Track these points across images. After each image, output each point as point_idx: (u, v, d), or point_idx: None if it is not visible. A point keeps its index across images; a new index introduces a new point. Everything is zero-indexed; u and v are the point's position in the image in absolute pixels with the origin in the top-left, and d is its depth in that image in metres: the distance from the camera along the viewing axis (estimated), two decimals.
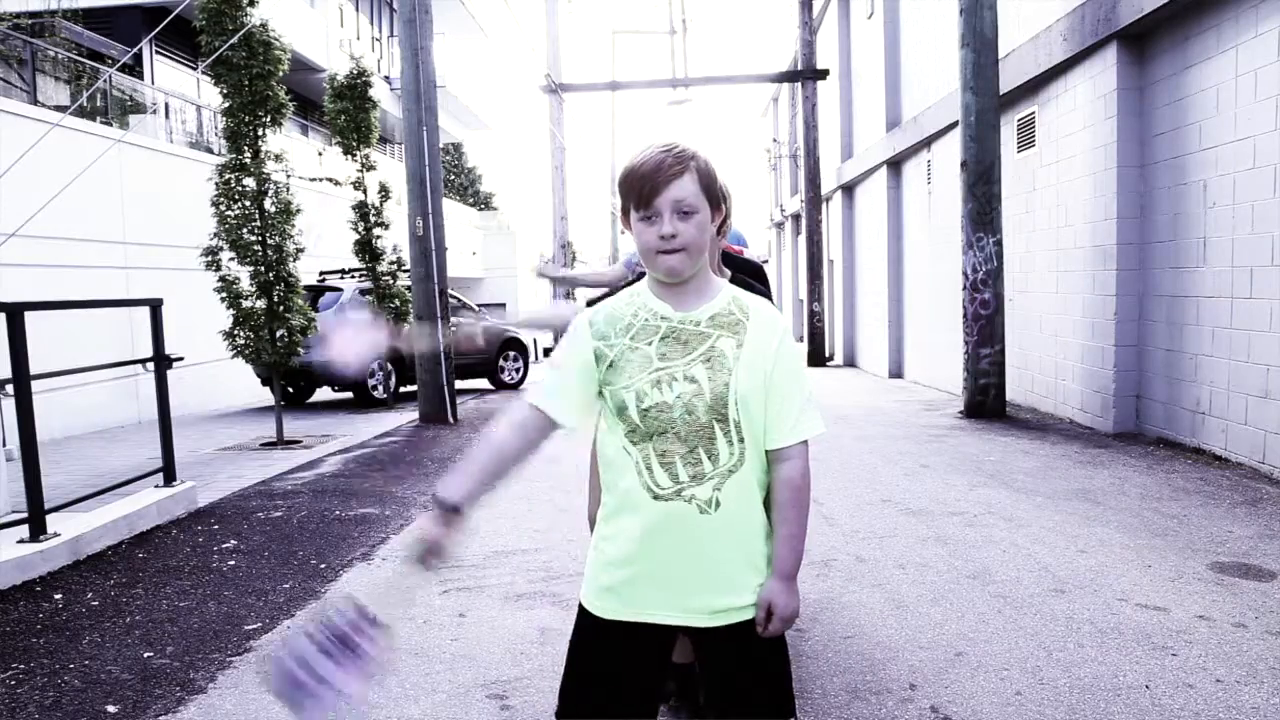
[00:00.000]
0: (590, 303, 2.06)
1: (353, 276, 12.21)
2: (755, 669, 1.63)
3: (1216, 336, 6.24)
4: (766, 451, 1.60)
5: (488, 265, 28.61)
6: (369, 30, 23.48)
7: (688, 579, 1.57)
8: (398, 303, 11.15)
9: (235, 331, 8.20)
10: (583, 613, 1.67)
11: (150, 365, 5.48)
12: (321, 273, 12.68)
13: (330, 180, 11.98)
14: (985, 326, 8.50)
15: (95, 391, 9.58)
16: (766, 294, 2.69)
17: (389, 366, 11.70)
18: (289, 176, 8.44)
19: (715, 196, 1.61)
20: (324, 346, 2.76)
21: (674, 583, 1.57)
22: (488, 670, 3.10)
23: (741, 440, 1.56)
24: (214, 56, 7.66)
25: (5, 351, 4.20)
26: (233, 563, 4.48)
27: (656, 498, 1.55)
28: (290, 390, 12.08)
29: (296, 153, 12.09)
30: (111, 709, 2.88)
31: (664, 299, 1.62)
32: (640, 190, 1.56)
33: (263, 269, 8.09)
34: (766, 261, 18.57)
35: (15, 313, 4.23)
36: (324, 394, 13.18)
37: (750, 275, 2.73)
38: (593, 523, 1.89)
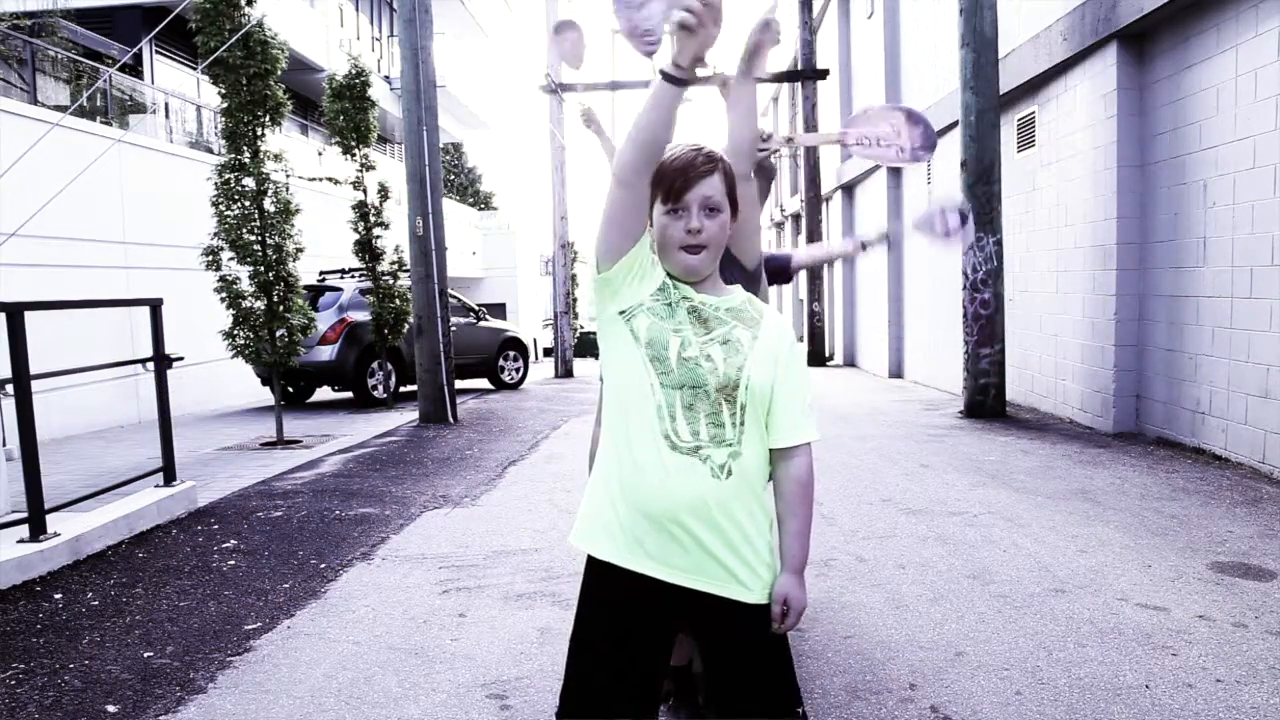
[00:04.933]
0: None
1: (353, 276, 12.21)
2: (759, 658, 1.64)
3: (1216, 336, 6.24)
4: (772, 450, 1.65)
5: (488, 265, 28.59)
6: (369, 30, 23.48)
7: (691, 537, 1.57)
8: (398, 302, 11.15)
9: (235, 331, 8.20)
10: (588, 569, 1.67)
11: (150, 365, 5.49)
12: (321, 272, 12.68)
13: (330, 180, 11.97)
14: (985, 326, 8.50)
15: (95, 391, 9.58)
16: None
17: (389, 366, 11.71)
18: (288, 176, 8.44)
19: (735, 201, 1.68)
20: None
21: (679, 539, 1.57)
22: (488, 670, 3.10)
23: (743, 424, 1.60)
24: (212, 57, 7.66)
25: (5, 351, 4.20)
26: (233, 563, 4.48)
27: (674, 448, 1.57)
28: (290, 390, 12.08)
29: (296, 152, 12.11)
30: (111, 709, 2.88)
31: (685, 283, 1.67)
32: (671, 184, 1.60)
33: (262, 269, 8.09)
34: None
35: (15, 313, 4.23)
36: (324, 394, 13.19)
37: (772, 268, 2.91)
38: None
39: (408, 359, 11.58)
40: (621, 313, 1.61)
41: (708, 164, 1.61)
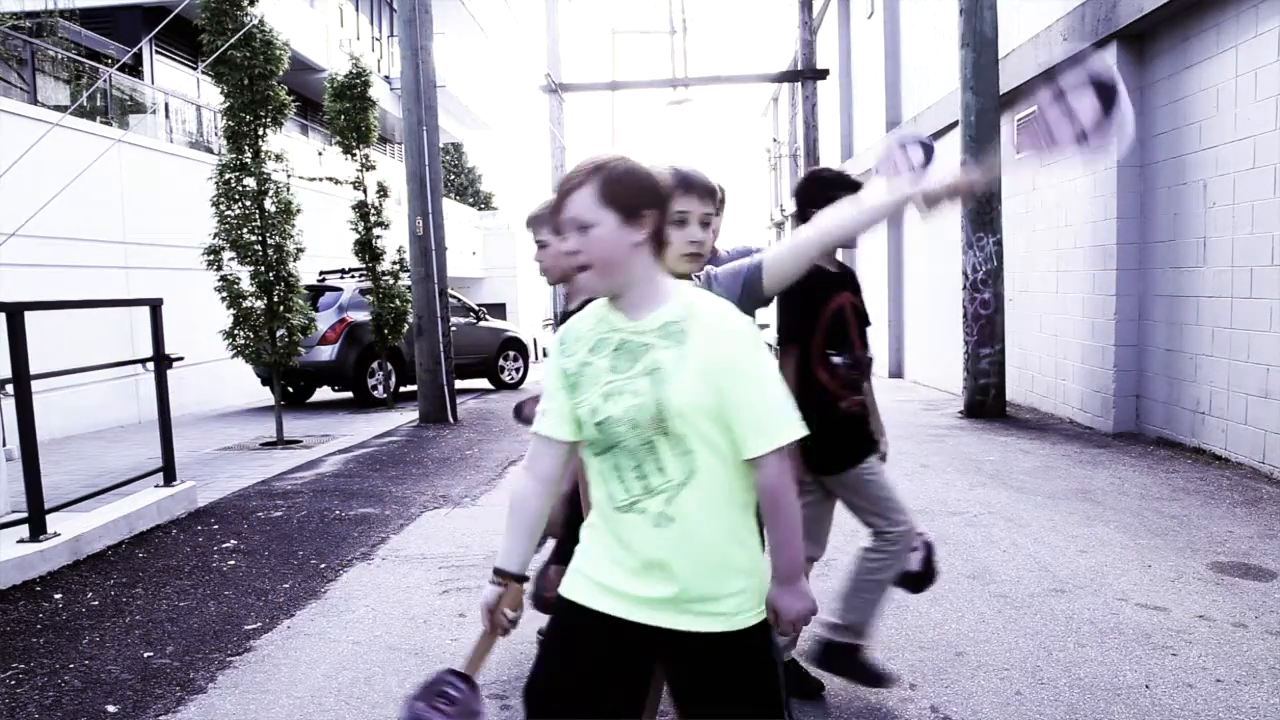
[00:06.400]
0: (564, 317, 2.06)
1: (353, 276, 12.21)
2: (733, 681, 1.59)
3: (1216, 336, 6.24)
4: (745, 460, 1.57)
5: (488, 265, 28.60)
6: (369, 30, 23.48)
7: (647, 586, 1.55)
8: (398, 302, 11.15)
9: (235, 331, 8.20)
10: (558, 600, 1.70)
11: (150, 365, 5.49)
12: (321, 272, 12.68)
13: (330, 180, 11.97)
14: (985, 326, 8.50)
15: (95, 391, 9.58)
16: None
17: (389, 366, 11.70)
18: (289, 176, 8.44)
19: (627, 204, 1.53)
20: None
21: (637, 586, 1.56)
22: (488, 670, 3.09)
23: (690, 452, 1.52)
24: (216, 55, 7.66)
25: (5, 351, 4.20)
26: (233, 563, 4.48)
27: (616, 508, 1.57)
28: (290, 390, 12.07)
29: (296, 152, 12.08)
30: (111, 709, 2.89)
31: (616, 309, 1.60)
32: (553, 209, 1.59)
33: (263, 269, 8.09)
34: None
35: (15, 313, 4.23)
36: (324, 394, 13.18)
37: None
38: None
39: (408, 359, 11.57)
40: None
41: (574, 179, 1.54)
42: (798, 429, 1.55)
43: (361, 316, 11.45)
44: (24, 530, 4.32)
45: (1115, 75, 1.88)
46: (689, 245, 1.87)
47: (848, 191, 2.65)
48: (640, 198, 1.54)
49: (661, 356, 1.53)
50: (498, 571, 1.74)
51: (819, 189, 2.75)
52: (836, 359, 2.71)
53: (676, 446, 1.52)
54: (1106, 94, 1.87)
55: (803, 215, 2.79)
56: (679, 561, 1.53)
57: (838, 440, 2.69)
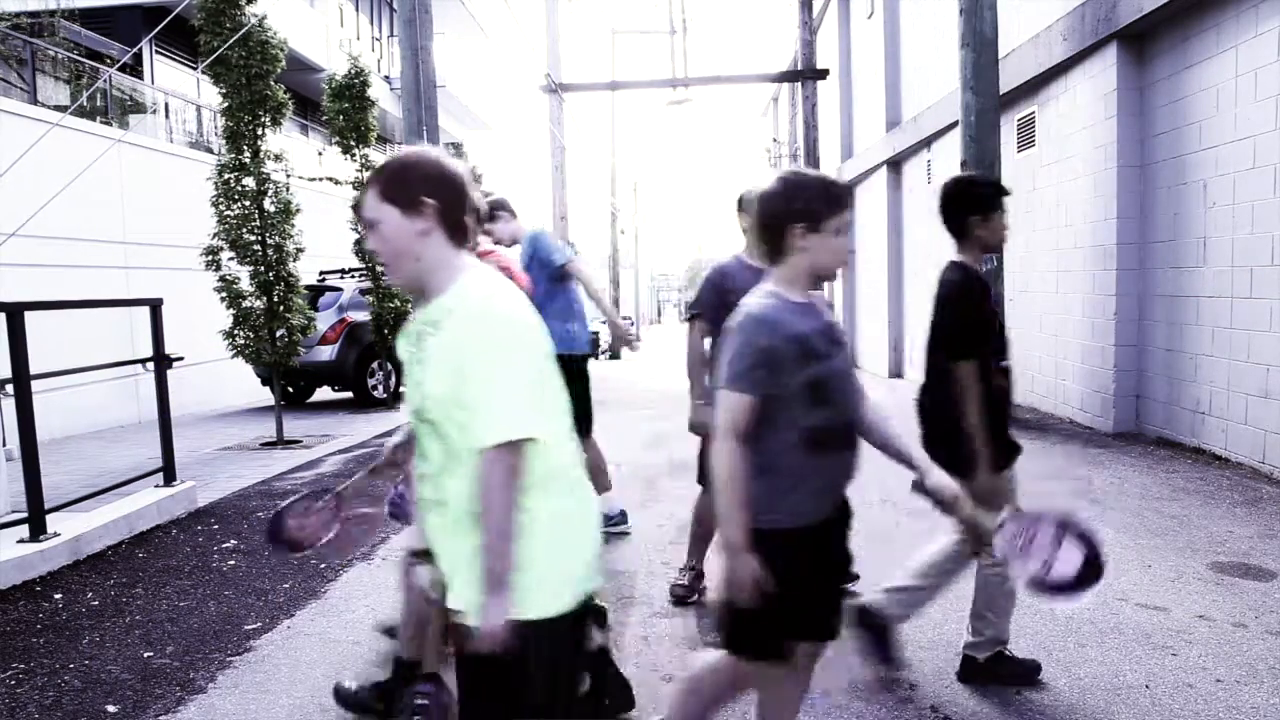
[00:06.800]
0: None
1: (353, 276, 12.20)
2: (493, 674, 1.59)
3: (1216, 336, 6.24)
4: None
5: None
6: (369, 30, 23.47)
7: (444, 568, 1.63)
8: (398, 303, 11.14)
9: (235, 331, 8.20)
10: None
11: (150, 365, 5.48)
12: (321, 272, 12.67)
13: (330, 180, 11.96)
14: None
15: (95, 391, 9.57)
16: None
17: (389, 366, 11.70)
18: (289, 176, 8.43)
19: (404, 196, 1.55)
20: None
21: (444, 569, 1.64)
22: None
23: (449, 438, 1.56)
24: (214, 56, 7.66)
25: (5, 351, 4.20)
26: (233, 563, 4.48)
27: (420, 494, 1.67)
28: (290, 390, 12.07)
29: (296, 152, 12.07)
30: (111, 709, 2.89)
31: (425, 300, 1.65)
32: None
33: (262, 269, 8.09)
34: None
35: (15, 313, 4.23)
36: (324, 394, 13.18)
37: None
38: None
39: None
40: None
41: (365, 184, 1.61)
42: (514, 431, 1.49)
43: (361, 316, 11.44)
44: (24, 530, 4.32)
45: (1103, 571, 1.94)
46: (846, 255, 2.05)
47: (999, 196, 2.82)
48: (419, 188, 1.56)
49: (429, 346, 1.57)
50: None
51: (981, 191, 2.84)
52: (1005, 364, 2.82)
53: (437, 433, 1.57)
54: (1089, 572, 1.91)
55: (957, 224, 2.86)
56: (446, 544, 1.61)
57: (1008, 440, 2.82)
